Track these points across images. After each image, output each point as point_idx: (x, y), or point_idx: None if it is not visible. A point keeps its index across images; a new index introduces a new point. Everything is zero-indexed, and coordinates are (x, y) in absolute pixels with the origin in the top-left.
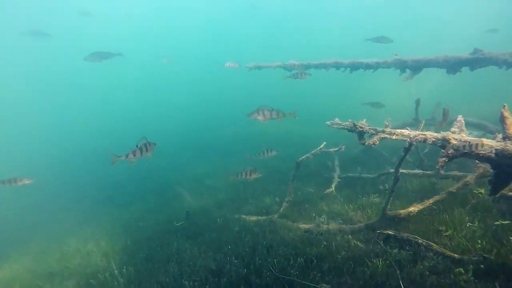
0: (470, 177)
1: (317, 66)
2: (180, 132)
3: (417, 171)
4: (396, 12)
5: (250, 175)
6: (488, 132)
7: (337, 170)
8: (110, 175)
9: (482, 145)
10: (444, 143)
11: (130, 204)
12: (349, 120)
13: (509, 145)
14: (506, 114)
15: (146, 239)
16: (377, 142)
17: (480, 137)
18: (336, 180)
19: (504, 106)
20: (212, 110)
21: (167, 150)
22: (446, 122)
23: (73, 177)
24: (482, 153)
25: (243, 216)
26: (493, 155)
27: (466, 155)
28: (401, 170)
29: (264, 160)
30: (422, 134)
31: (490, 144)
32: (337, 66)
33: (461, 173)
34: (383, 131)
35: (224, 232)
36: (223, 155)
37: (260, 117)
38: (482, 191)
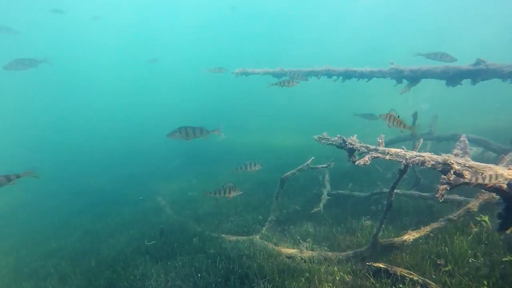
0: (473, 204)
1: (307, 74)
2: (169, 140)
3: (413, 192)
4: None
5: (230, 193)
6: (490, 150)
7: (327, 186)
8: (94, 182)
9: (496, 177)
10: (445, 168)
11: (106, 215)
12: (338, 135)
13: None
14: None
15: (112, 259)
16: (369, 162)
17: (480, 154)
18: (325, 198)
19: None
20: (205, 117)
21: (154, 157)
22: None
23: (55, 183)
24: (490, 184)
25: (222, 235)
26: (506, 187)
27: (471, 183)
28: (395, 190)
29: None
30: (420, 156)
31: (500, 172)
32: (329, 74)
33: (462, 198)
34: (376, 150)
35: (198, 256)
36: (212, 163)
37: (182, 136)
38: (486, 218)
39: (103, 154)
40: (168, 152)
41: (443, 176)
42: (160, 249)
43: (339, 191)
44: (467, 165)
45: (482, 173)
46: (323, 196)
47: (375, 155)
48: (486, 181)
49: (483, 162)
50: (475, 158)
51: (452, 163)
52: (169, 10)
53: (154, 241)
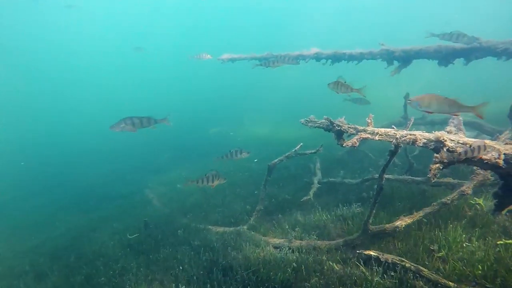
0: (467, 186)
1: (295, 58)
2: (162, 131)
3: (405, 177)
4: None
5: (213, 181)
6: (483, 133)
7: (318, 174)
8: (83, 176)
9: (485, 148)
10: (437, 145)
11: (92, 210)
12: (325, 117)
13: None
14: None
15: (92, 253)
16: (357, 143)
17: (473, 138)
18: (315, 186)
19: None
20: (198, 109)
21: (146, 150)
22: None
23: (43, 179)
24: (487, 160)
25: (209, 226)
26: (502, 163)
27: (466, 161)
28: (387, 176)
29: (239, 161)
30: (410, 134)
31: (496, 147)
32: (318, 57)
33: (455, 180)
34: (365, 130)
35: (182, 248)
36: (204, 157)
37: (127, 127)
38: (480, 201)
39: (90, 149)
40: (159, 146)
41: (435, 154)
42: (143, 242)
43: (330, 179)
44: (461, 141)
45: (470, 145)
46: (313, 184)
47: (364, 136)
48: (475, 153)
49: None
50: None
51: (445, 140)
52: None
53: (136, 234)
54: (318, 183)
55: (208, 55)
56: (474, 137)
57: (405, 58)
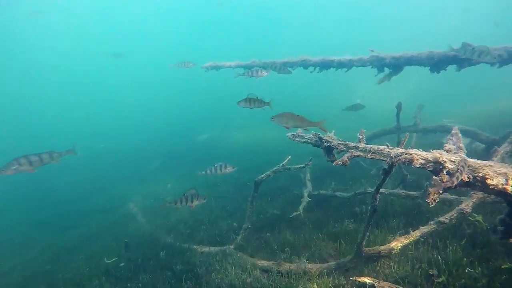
0: (466, 204)
1: (282, 65)
2: (152, 138)
3: (399, 191)
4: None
5: (192, 201)
6: (478, 141)
7: (309, 185)
8: (65, 187)
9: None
10: (436, 167)
11: (71, 227)
12: (313, 132)
13: None
14: None
15: (65, 283)
16: (348, 161)
17: (467, 145)
18: (305, 200)
19: None
20: (189, 115)
21: (134, 158)
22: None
23: (19, 190)
24: (493, 185)
25: (194, 246)
26: (511, 189)
27: (468, 185)
28: (381, 190)
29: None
30: (406, 154)
31: (507, 172)
32: (305, 64)
33: (453, 196)
34: (356, 148)
35: (163, 273)
36: (194, 164)
37: (23, 168)
38: (480, 218)
39: (74, 157)
40: (146, 153)
41: (434, 177)
42: (121, 267)
43: (321, 192)
44: (462, 163)
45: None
46: (303, 198)
47: (355, 154)
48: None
49: (471, 155)
50: None
51: (445, 161)
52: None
53: (115, 258)
54: (308, 196)
55: (191, 63)
56: (468, 144)
57: (395, 65)
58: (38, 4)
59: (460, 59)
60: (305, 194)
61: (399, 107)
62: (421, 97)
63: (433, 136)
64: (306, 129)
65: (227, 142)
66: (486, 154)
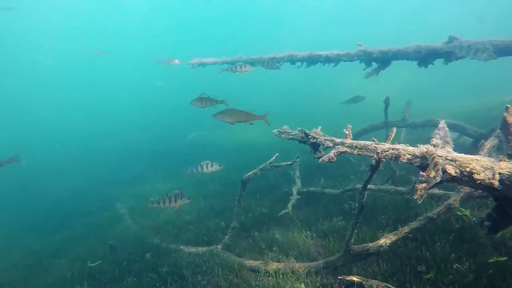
0: (454, 199)
1: (272, 61)
2: (139, 138)
3: (388, 186)
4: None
5: (176, 201)
6: (465, 135)
7: (298, 182)
8: (53, 188)
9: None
10: (424, 162)
11: (57, 230)
12: (299, 128)
13: None
14: (511, 119)
15: None
16: (335, 158)
17: (455, 140)
18: (294, 198)
19: (508, 108)
20: (178, 113)
21: (121, 159)
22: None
23: (7, 192)
24: (480, 180)
25: (181, 246)
26: (497, 183)
27: (455, 180)
28: (369, 186)
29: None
30: (393, 149)
31: (494, 166)
32: (292, 60)
33: (441, 191)
34: (343, 143)
35: (149, 276)
36: (182, 163)
37: None
38: (468, 212)
39: (61, 157)
40: (136, 153)
41: (421, 173)
42: (106, 270)
43: (310, 189)
44: (449, 157)
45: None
46: (292, 196)
47: (341, 150)
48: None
49: (459, 149)
50: None
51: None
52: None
53: (99, 261)
54: (298, 193)
55: (177, 60)
56: (456, 138)
57: (383, 60)
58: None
59: (447, 52)
60: (294, 192)
61: (387, 102)
62: (410, 93)
63: (422, 131)
64: (251, 123)
65: (217, 140)
66: (474, 148)
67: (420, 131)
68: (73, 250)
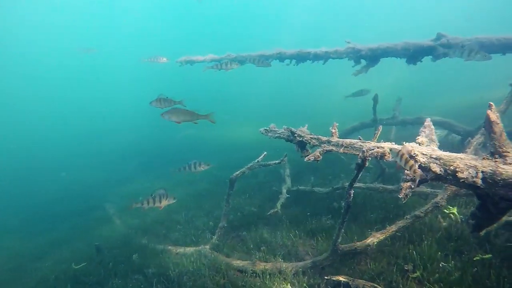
0: (441, 197)
1: (261, 58)
2: (130, 138)
3: (376, 185)
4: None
5: (160, 202)
6: (454, 132)
7: (288, 181)
8: (41, 189)
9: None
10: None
11: (44, 231)
12: (285, 126)
13: (502, 166)
14: (494, 117)
15: None
16: (320, 157)
17: (444, 137)
18: (283, 197)
19: (491, 106)
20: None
21: (112, 159)
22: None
23: None
24: (463, 178)
25: (169, 246)
26: (480, 182)
27: (439, 179)
28: (358, 184)
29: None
30: (379, 147)
31: (477, 164)
32: (281, 57)
33: (428, 189)
34: (328, 142)
35: (134, 278)
36: (173, 162)
37: None
38: (455, 210)
39: (50, 157)
40: (126, 151)
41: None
42: (91, 272)
43: (300, 187)
44: (433, 156)
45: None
46: (281, 195)
47: (327, 148)
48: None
49: (447, 146)
50: (439, 142)
51: (416, 155)
52: None
53: (84, 263)
54: (287, 192)
55: (164, 58)
56: (445, 136)
57: (372, 57)
58: None
59: (435, 49)
60: (284, 191)
61: (375, 99)
62: (402, 90)
63: (412, 128)
64: (195, 123)
65: (207, 138)
66: (462, 146)
67: (411, 128)
68: (58, 253)
